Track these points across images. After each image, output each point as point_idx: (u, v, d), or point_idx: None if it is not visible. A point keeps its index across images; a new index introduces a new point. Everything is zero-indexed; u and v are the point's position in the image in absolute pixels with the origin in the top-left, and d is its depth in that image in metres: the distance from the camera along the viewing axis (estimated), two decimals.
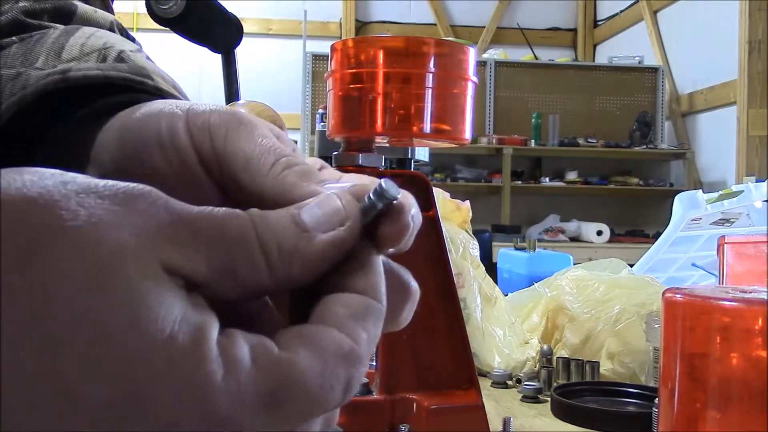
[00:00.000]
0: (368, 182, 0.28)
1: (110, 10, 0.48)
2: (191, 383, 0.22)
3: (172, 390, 0.22)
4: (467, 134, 0.74)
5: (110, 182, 0.24)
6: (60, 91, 0.35)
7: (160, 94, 0.37)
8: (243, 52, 1.15)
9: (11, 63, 0.38)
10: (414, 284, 0.29)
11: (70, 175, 0.24)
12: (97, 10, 0.45)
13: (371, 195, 0.27)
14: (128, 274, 0.22)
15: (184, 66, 4.61)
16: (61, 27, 0.41)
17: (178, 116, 0.30)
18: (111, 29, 0.44)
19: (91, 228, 0.23)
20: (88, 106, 0.35)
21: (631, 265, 1.39)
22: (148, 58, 0.40)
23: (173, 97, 0.37)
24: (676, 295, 0.57)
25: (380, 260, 0.28)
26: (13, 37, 0.40)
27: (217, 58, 1.16)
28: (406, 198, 0.28)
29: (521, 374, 1.03)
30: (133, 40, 0.44)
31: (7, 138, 0.35)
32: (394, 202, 0.27)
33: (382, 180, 0.27)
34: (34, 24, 0.41)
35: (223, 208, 0.25)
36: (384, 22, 6.34)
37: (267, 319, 0.29)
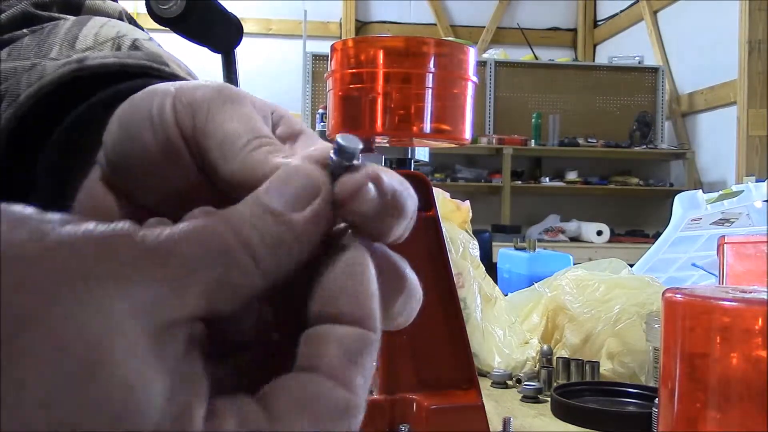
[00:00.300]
0: (329, 145, 0.27)
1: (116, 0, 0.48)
2: None
3: None
4: (467, 134, 0.74)
5: (83, 230, 0.21)
6: (76, 80, 0.35)
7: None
8: (243, 52, 1.15)
9: (25, 54, 0.37)
10: (411, 276, 0.27)
11: (46, 224, 0.21)
12: (106, 0, 0.45)
13: (332, 155, 0.25)
14: (115, 358, 0.20)
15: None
16: (71, 18, 0.41)
17: (169, 93, 0.29)
18: (120, 19, 0.44)
19: (73, 307, 0.20)
20: (104, 92, 0.35)
21: (631, 265, 1.39)
22: (159, 46, 0.40)
23: None
24: (676, 295, 0.57)
25: (366, 256, 0.25)
26: (24, 30, 0.40)
27: (217, 58, 1.16)
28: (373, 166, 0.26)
29: (521, 374, 1.03)
30: (141, 29, 0.44)
31: (28, 126, 0.35)
32: (358, 154, 0.25)
33: (338, 135, 0.25)
34: (44, 15, 0.41)
35: (194, 220, 0.23)
36: (384, 22, 6.34)
37: (261, 338, 0.27)
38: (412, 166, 0.79)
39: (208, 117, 0.28)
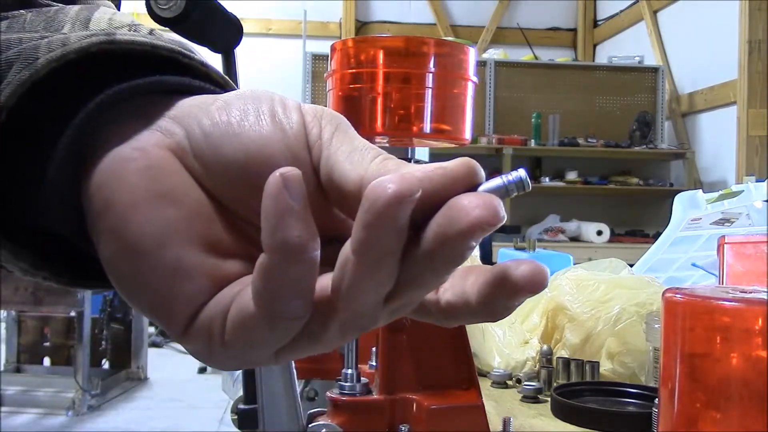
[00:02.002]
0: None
1: None
2: None
3: None
4: (467, 134, 0.74)
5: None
6: (96, 56, 0.32)
7: (206, 71, 0.35)
8: (243, 52, 1.15)
9: (31, 27, 0.34)
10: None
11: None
12: None
13: (509, 180, 0.28)
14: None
15: None
16: (75, 5, 0.38)
17: (288, 103, 0.31)
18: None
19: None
20: (150, 78, 0.33)
21: (631, 265, 1.39)
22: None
23: (219, 77, 0.36)
24: (676, 295, 0.57)
25: None
26: (21, 10, 0.36)
27: (217, 58, 1.16)
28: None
29: (521, 374, 1.03)
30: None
31: (48, 94, 0.32)
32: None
33: (521, 170, 0.28)
34: (42, 2, 0.38)
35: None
36: (384, 22, 6.34)
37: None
38: None
39: (336, 131, 0.30)
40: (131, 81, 0.32)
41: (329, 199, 0.30)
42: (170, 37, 0.36)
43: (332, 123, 0.31)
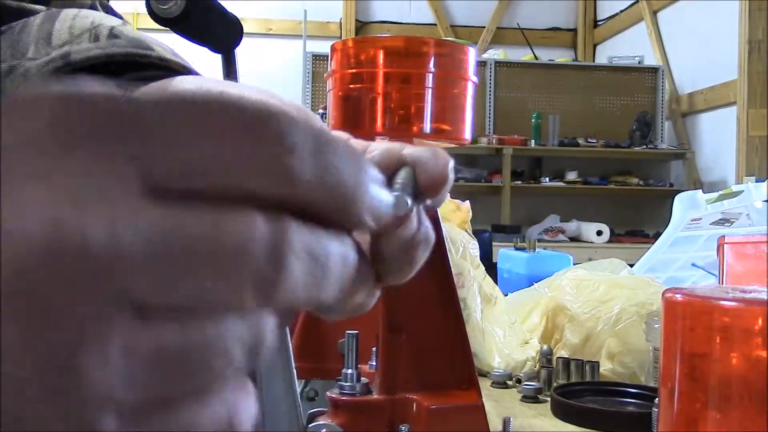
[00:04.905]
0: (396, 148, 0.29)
1: None
2: None
3: None
4: (467, 134, 0.74)
5: None
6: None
7: (166, 64, 0.37)
8: (243, 52, 1.15)
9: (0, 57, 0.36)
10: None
11: None
12: None
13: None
14: None
15: None
16: (41, 12, 0.39)
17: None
18: (93, 6, 0.43)
19: None
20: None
21: (631, 265, 1.39)
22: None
23: (179, 66, 0.37)
24: (676, 295, 0.57)
25: None
26: None
27: (217, 58, 1.16)
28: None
29: (521, 374, 1.03)
30: (117, 15, 0.43)
31: None
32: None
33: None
34: (13, 6, 0.40)
35: None
36: (384, 22, 6.34)
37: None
38: None
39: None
40: None
41: None
42: (131, 37, 0.37)
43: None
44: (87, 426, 0.17)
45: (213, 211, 0.18)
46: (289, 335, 0.64)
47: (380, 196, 0.23)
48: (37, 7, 0.41)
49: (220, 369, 0.19)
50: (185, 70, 0.37)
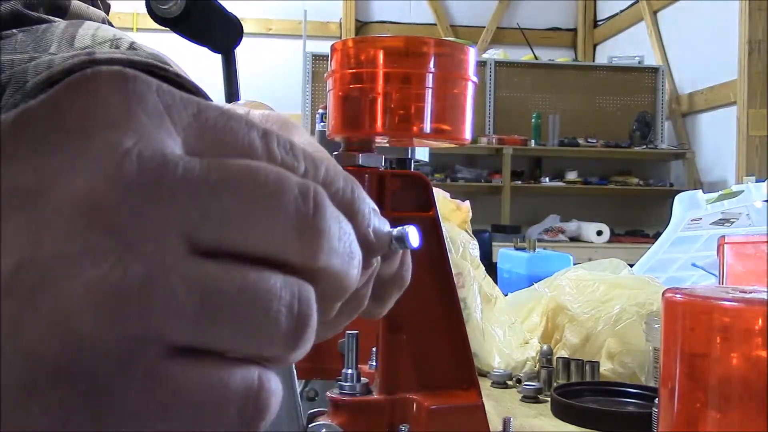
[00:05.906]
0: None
1: (99, 8, 0.48)
2: None
3: None
4: (467, 134, 0.74)
5: None
6: None
7: (180, 81, 0.38)
8: (243, 52, 1.15)
9: (21, 48, 0.37)
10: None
11: None
12: (90, 6, 0.46)
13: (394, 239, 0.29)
14: None
15: (184, 66, 4.60)
16: (63, 21, 0.41)
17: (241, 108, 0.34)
18: (105, 21, 0.45)
19: None
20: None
21: (631, 265, 1.39)
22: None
23: (191, 85, 0.38)
24: (676, 295, 0.57)
25: None
26: (13, 30, 0.40)
27: (217, 58, 1.16)
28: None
29: (521, 374, 1.03)
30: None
31: None
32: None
33: (410, 229, 0.29)
34: (33, 16, 0.41)
35: None
36: (384, 22, 6.34)
37: None
38: (412, 166, 0.79)
39: (280, 130, 0.32)
40: None
41: None
42: (150, 51, 0.39)
43: (277, 123, 0.34)
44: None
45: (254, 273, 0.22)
46: None
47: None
48: (56, 18, 0.42)
49: None
50: (196, 90, 0.38)
